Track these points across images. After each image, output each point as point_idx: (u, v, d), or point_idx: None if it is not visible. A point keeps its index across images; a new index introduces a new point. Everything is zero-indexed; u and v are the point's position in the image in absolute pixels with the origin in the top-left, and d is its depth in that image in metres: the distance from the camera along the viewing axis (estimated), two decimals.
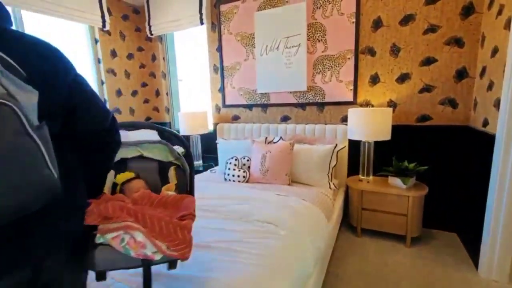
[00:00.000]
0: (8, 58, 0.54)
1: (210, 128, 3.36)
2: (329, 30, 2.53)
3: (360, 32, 2.41)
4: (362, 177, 2.39)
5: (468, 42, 2.08)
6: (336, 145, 2.27)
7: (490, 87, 1.82)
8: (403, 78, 2.33)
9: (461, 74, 2.14)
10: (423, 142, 2.31)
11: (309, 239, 1.38)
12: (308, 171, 2.27)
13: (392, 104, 2.40)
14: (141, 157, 1.37)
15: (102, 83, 3.23)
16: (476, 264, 1.85)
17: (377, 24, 2.35)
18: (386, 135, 2.19)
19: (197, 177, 2.66)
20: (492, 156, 1.67)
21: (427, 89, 2.27)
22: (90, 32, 3.12)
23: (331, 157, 2.27)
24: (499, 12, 1.72)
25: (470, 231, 2.03)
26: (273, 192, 1.94)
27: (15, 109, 0.49)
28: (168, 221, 0.94)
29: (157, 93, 3.75)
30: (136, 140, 1.27)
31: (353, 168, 2.55)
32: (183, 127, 3.12)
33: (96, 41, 3.14)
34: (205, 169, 3.09)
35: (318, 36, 2.59)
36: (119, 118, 3.37)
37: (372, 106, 2.47)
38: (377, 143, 2.34)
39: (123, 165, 1.28)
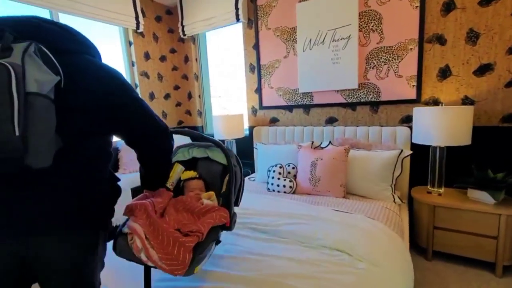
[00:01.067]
0: (49, 53, 0.69)
1: (245, 132, 3.13)
2: (386, 18, 2.20)
3: (426, 17, 2.05)
4: (432, 189, 2.00)
5: None
6: (402, 151, 1.91)
7: None
8: (483, 70, 1.93)
9: None
10: (510, 147, 1.89)
11: (397, 275, 1.07)
12: (366, 181, 1.94)
13: (468, 101, 2.00)
14: (208, 159, 1.40)
15: (136, 86, 3.13)
16: None
17: (449, 6, 1.97)
18: (465, 139, 1.80)
19: None
20: None
21: None
22: (124, 35, 3.04)
23: (395, 166, 1.92)
24: None
25: None
26: (330, 207, 1.64)
27: (9, 68, 0.59)
28: (170, 233, 0.96)
29: (189, 96, 3.61)
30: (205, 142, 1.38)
31: (416, 177, 2.18)
32: (218, 131, 2.92)
33: (130, 44, 3.05)
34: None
35: (372, 26, 2.26)
36: None
37: (442, 104, 2.09)
38: (448, 149, 1.95)
39: (193, 163, 1.40)
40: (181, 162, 1.43)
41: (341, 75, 2.43)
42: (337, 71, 2.45)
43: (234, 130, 2.89)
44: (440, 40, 2.03)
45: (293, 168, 2.19)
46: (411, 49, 2.14)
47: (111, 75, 0.85)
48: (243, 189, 1.30)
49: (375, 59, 2.30)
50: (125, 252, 0.98)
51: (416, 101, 2.18)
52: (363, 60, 2.34)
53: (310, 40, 2.53)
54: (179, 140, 1.36)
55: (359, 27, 2.30)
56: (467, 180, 1.86)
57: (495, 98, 1.92)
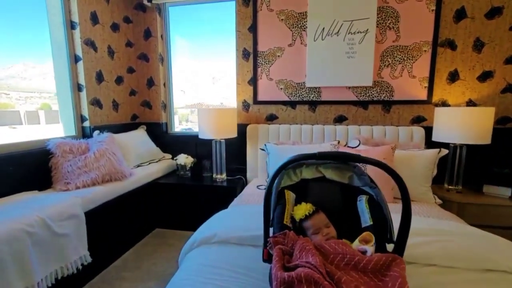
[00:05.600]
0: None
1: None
2: (403, 17, 2.18)
3: (441, 22, 2.13)
4: (450, 187, 2.07)
5: None
6: (441, 150, 1.88)
7: None
8: (485, 76, 2.14)
9: None
10: (503, 146, 2.15)
11: None
12: (411, 182, 1.81)
13: (471, 104, 2.18)
14: (323, 179, 1.02)
15: (77, 59, 2.12)
16: None
17: (460, 14, 2.11)
18: (485, 138, 1.92)
19: (245, 197, 1.90)
20: None
21: (510, 89, 2.12)
22: None
23: (434, 165, 1.87)
24: None
25: None
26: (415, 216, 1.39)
27: None
28: None
29: (150, 83, 2.76)
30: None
31: None
32: (204, 129, 2.29)
33: None
34: (231, 184, 2.30)
35: (389, 23, 2.21)
36: (99, 122, 2.33)
37: (449, 105, 2.21)
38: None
39: (304, 187, 1.02)
40: (288, 188, 0.92)
41: (356, 71, 2.28)
42: (351, 67, 2.28)
43: (226, 129, 2.33)
44: (452, 45, 2.15)
45: None
46: (425, 50, 2.19)
47: None
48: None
49: (390, 57, 2.25)
50: None
51: (427, 102, 2.24)
52: (378, 57, 2.26)
53: (323, 29, 2.28)
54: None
55: (377, 23, 2.21)
56: (485, 177, 1.99)
57: (493, 103, 2.15)
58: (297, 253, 0.73)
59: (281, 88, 2.47)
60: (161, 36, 2.70)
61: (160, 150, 2.72)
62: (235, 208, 1.56)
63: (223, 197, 2.21)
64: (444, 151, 1.89)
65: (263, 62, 2.47)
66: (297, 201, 0.97)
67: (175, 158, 2.56)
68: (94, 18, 2.22)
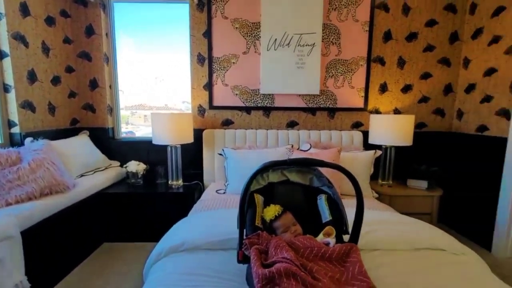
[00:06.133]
0: None
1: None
2: (344, 34, 2.48)
3: (373, 41, 2.49)
4: (383, 182, 2.42)
5: (453, 63, 2.54)
6: (376, 151, 2.19)
7: (487, 100, 2.25)
8: (406, 88, 2.57)
9: (448, 89, 2.58)
10: (421, 146, 2.60)
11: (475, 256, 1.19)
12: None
13: (397, 112, 2.59)
14: (287, 182, 1.11)
15: (3, 56, 1.83)
16: (489, 248, 2.20)
17: (388, 36, 2.49)
18: (408, 141, 2.31)
19: (206, 203, 1.91)
20: (504, 154, 2.05)
21: (424, 99, 2.59)
22: None
23: (372, 164, 2.17)
24: (495, 41, 2.17)
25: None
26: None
27: None
28: None
29: (93, 84, 2.52)
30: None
31: None
32: (159, 135, 2.21)
33: None
34: (188, 190, 2.26)
35: (333, 39, 2.48)
36: (31, 125, 2.07)
37: (381, 113, 2.58)
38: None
39: (271, 190, 1.10)
40: (257, 191, 0.99)
41: (305, 80, 2.49)
42: (301, 76, 2.49)
43: (183, 134, 2.29)
44: (381, 61, 2.53)
45: None
46: (361, 65, 2.52)
47: None
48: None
49: (333, 69, 2.52)
50: None
51: (364, 110, 2.58)
52: (324, 69, 2.52)
53: (276, 40, 2.44)
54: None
55: (322, 37, 2.46)
56: (408, 173, 2.39)
57: (413, 111, 2.59)
58: (272, 251, 0.80)
59: (237, 94, 2.54)
60: (106, 34, 2.51)
61: (106, 157, 2.51)
62: (199, 215, 1.56)
63: (180, 203, 2.16)
64: (379, 152, 2.21)
65: (218, 68, 2.50)
66: (266, 203, 1.04)
67: (124, 166, 2.39)
68: (25, 9, 1.95)
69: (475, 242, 2.33)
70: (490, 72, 2.22)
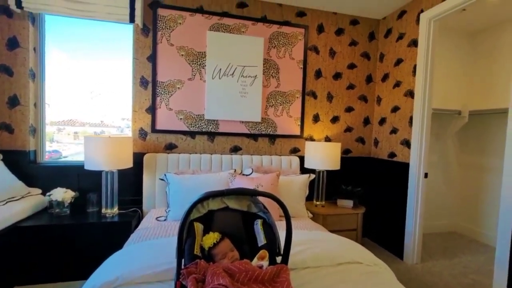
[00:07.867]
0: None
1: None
2: (282, 69, 2.77)
3: (307, 77, 2.83)
4: (317, 203, 2.67)
5: (369, 100, 3.04)
6: (310, 174, 2.42)
7: (394, 131, 2.75)
8: (334, 119, 2.96)
9: (366, 121, 3.06)
10: (347, 170, 2.98)
11: (384, 266, 1.41)
12: (290, 202, 2.24)
13: (327, 139, 2.94)
14: (226, 208, 1.18)
15: None
16: (401, 256, 2.59)
17: (318, 74, 2.88)
18: (337, 165, 2.63)
19: (144, 232, 1.83)
20: (408, 176, 2.51)
21: (349, 129, 3.00)
22: None
23: (306, 187, 2.39)
24: (397, 85, 2.71)
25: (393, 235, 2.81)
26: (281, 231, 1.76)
27: None
28: None
29: (13, 102, 2.24)
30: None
31: None
32: (94, 159, 2.07)
33: None
34: (124, 219, 2.13)
35: (272, 73, 2.75)
36: None
37: (314, 140, 2.90)
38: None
39: (210, 217, 1.16)
40: (197, 219, 1.04)
41: (247, 108, 2.67)
42: (244, 104, 2.65)
43: (121, 158, 2.18)
44: (314, 95, 2.88)
45: None
46: (297, 97, 2.82)
47: None
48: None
49: (273, 99, 2.77)
50: None
51: (300, 137, 2.85)
52: (265, 98, 2.74)
53: (220, 69, 2.58)
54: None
55: (263, 71, 2.70)
56: (341, 193, 2.69)
57: (339, 139, 2.98)
58: (209, 279, 0.85)
59: (181, 118, 2.56)
60: (34, 48, 2.29)
61: (24, 184, 2.20)
62: (136, 245, 1.49)
63: (115, 234, 2.00)
64: (312, 176, 2.46)
65: (162, 92, 2.50)
66: (205, 231, 1.08)
67: (48, 194, 2.13)
68: None
69: (391, 252, 2.71)
70: (395, 109, 2.74)
